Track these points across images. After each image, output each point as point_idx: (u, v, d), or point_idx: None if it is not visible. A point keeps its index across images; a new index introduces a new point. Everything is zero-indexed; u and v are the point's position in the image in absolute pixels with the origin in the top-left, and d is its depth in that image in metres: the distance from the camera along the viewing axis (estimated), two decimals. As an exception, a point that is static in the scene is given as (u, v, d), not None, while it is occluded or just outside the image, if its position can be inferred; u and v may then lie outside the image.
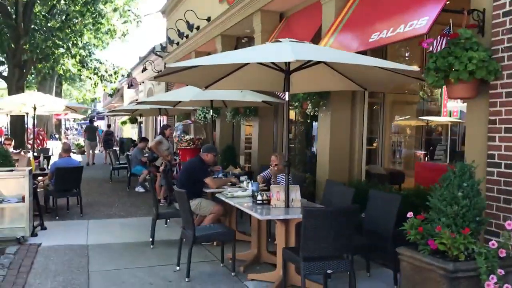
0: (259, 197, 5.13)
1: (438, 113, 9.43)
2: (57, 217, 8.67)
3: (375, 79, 5.58)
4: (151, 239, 6.84)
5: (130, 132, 34.18)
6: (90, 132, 21.19)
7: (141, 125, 30.78)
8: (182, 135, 9.55)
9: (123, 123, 31.65)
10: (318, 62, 5.24)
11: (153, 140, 10.62)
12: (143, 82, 27.11)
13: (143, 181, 12.50)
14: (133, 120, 29.53)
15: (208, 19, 12.99)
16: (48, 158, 11.09)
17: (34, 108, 9.97)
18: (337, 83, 5.84)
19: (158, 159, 10.35)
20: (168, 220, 8.13)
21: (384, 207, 4.89)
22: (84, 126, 45.29)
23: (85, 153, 21.80)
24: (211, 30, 12.80)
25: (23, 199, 6.78)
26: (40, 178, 9.30)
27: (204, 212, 6.59)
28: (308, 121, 9.30)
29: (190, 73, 5.48)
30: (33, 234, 7.14)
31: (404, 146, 9.85)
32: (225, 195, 5.73)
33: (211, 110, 11.71)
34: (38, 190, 8.47)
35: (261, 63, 5.24)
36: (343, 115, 7.14)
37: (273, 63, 5.11)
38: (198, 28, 13.77)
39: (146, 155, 13.02)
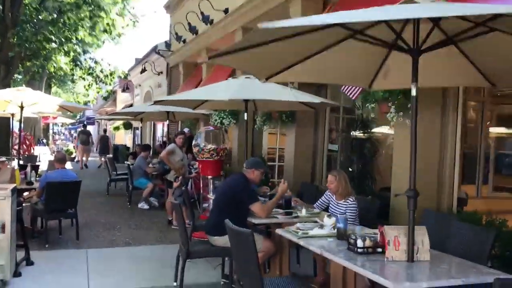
0: (359, 243, 3.39)
1: None
2: (47, 245, 6.85)
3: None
4: (176, 284, 5.08)
5: (123, 138, 32.23)
6: (84, 136, 20.79)
7: (137, 131, 28.99)
8: (203, 145, 7.78)
9: (116, 128, 29.74)
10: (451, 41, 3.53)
11: (164, 150, 8.79)
12: (139, 85, 25.28)
13: (148, 196, 10.71)
14: (127, 126, 27.70)
15: (226, 11, 11.29)
16: (35, 168, 9.22)
17: (21, 107, 8.14)
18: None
19: (170, 172, 8.58)
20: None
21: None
22: (73, 131, 43.28)
23: (76, 159, 20.86)
24: (229, 22, 11.09)
25: (2, 229, 4.96)
26: (26, 194, 7.47)
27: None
28: (369, 129, 7.61)
29: (253, 57, 3.76)
30: (16, 273, 5.33)
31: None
32: (294, 234, 3.98)
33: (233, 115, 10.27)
34: (23, 208, 6.69)
35: (365, 40, 3.52)
36: (431, 123, 5.44)
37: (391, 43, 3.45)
38: (211, 22, 12.06)
39: (151, 165, 11.23)
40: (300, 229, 4.03)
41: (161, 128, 22.62)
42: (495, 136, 8.19)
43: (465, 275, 2.87)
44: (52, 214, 7.00)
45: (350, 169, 7.79)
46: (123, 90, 26.18)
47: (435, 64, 3.74)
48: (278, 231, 4.23)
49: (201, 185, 7.98)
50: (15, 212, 5.26)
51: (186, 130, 12.68)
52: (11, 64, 16.49)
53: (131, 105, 26.51)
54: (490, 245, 3.56)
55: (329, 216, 4.23)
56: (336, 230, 3.87)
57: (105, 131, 28.77)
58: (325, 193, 5.62)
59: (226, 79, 11.31)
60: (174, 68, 17.58)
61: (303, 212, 5.05)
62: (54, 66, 15.96)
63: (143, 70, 20.12)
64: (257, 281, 3.36)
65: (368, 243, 3.41)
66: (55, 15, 16.62)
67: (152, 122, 23.09)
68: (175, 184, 8.21)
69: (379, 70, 4.23)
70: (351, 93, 5.28)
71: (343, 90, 5.38)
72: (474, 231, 3.79)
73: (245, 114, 6.65)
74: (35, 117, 25.98)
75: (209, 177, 7.82)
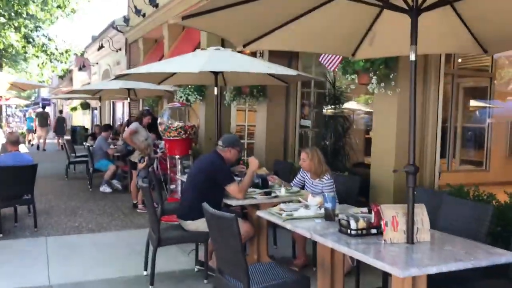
0: (352, 225, 3.09)
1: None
2: (1, 234, 6.30)
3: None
4: (146, 273, 4.70)
5: (81, 119, 31.07)
6: (42, 118, 20.63)
7: (95, 111, 27.96)
8: (170, 122, 7.30)
9: (73, 109, 28.64)
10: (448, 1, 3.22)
11: (126, 129, 8.26)
12: (96, 63, 24.25)
13: (110, 178, 10.17)
14: (85, 106, 26.71)
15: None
16: (-13, 152, 8.54)
17: (-33, 86, 7.43)
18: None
19: (134, 153, 8.09)
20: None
21: None
22: (26, 113, 41.50)
23: (33, 140, 20.90)
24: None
25: None
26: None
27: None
28: (341, 104, 7.32)
29: (230, 20, 3.36)
30: (-34, 268, 4.83)
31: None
32: (278, 216, 3.63)
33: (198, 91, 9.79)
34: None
35: None
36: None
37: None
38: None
39: (112, 146, 10.67)
40: (284, 210, 3.69)
41: (121, 108, 21.81)
42: (462, 109, 8.15)
43: (474, 257, 2.60)
44: (6, 201, 6.42)
45: (322, 145, 7.55)
46: (80, 69, 25.07)
47: (429, 29, 3.43)
48: (260, 213, 3.88)
49: (168, 166, 7.54)
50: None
51: (146, 108, 12.13)
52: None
53: (88, 85, 25.48)
54: (488, 221, 3.33)
55: (314, 195, 3.92)
56: (324, 210, 3.55)
57: (61, 112, 27.60)
58: (300, 170, 5.33)
59: (192, 50, 10.88)
60: (133, 45, 16.81)
61: (282, 191, 4.72)
62: (3, 43, 14.90)
63: (101, 47, 19.21)
64: (242, 268, 3.02)
65: (361, 224, 3.11)
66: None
67: (111, 102, 22.27)
68: (140, 166, 7.73)
69: (364, 36, 3.90)
70: (330, 64, 4.95)
71: (321, 60, 5.04)
72: (471, 206, 3.55)
73: (215, 88, 6.21)
74: (-15, 99, 24.71)
75: (177, 157, 7.39)
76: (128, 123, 11.98)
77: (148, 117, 8.12)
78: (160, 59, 13.33)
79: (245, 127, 10.23)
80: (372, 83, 4.81)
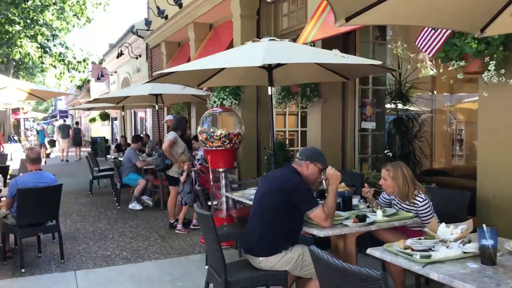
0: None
1: None
2: (23, 269, 5.31)
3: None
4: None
5: (100, 130, 30.33)
6: (64, 130, 21.69)
7: (115, 122, 27.19)
8: (212, 130, 6.28)
9: (92, 120, 27.89)
10: None
11: (165, 140, 7.27)
12: (115, 72, 23.46)
13: (140, 194, 9.20)
14: (104, 117, 25.96)
15: (218, -24, 9.72)
16: (4, 170, 7.62)
17: (-19, 97, 6.50)
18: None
19: (172, 167, 7.10)
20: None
21: None
22: (45, 125, 41.04)
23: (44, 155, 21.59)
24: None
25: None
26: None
27: (306, 272, 3.47)
28: (410, 103, 6.25)
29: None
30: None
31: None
32: (410, 258, 2.56)
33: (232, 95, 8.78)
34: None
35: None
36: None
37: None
38: (199, -9, 10.46)
39: (142, 159, 9.69)
40: (414, 249, 2.62)
41: (143, 117, 20.94)
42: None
43: None
44: (27, 229, 5.44)
45: (387, 150, 6.49)
46: (98, 79, 24.28)
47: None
48: (376, 252, 2.80)
49: (211, 180, 6.51)
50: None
51: (169, 117, 11.23)
52: (-30, 53, 14.57)
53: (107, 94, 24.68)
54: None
55: (447, 225, 2.84)
56: (479, 249, 2.48)
57: (77, 123, 27.02)
58: (384, 189, 4.27)
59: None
60: (154, 49, 15.91)
61: (379, 215, 3.65)
62: (20, 52, 14.08)
63: (120, 54, 18.34)
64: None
65: None
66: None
67: (133, 111, 21.43)
68: (182, 178, 6.76)
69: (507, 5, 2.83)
70: (429, 48, 3.88)
71: (418, 43, 3.98)
72: None
73: (269, 88, 5.18)
74: (3, 111, 24.03)
75: (220, 170, 6.36)
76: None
77: (186, 124, 7.12)
78: (186, 62, 12.38)
79: (285, 132, 9.21)
80: (489, 70, 3.71)
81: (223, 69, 5.70)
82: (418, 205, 3.85)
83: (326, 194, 3.65)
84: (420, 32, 4.03)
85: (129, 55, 18.16)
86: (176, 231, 7.10)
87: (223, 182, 6.36)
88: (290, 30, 8.81)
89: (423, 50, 3.97)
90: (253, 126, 9.15)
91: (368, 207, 4.09)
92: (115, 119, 25.95)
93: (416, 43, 4.04)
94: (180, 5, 11.66)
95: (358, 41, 6.78)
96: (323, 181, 3.78)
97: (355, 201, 4.17)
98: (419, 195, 3.87)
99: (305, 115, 7.83)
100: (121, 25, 59.19)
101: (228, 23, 10.53)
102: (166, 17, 13.04)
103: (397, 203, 4.04)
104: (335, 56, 4.37)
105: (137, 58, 18.11)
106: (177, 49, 14.38)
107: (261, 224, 3.59)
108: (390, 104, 6.68)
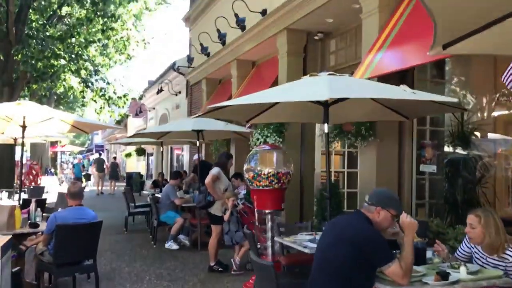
0: None
1: None
2: (57, 312, 4.99)
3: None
4: None
5: (135, 166, 30.44)
6: (99, 164, 22.59)
7: (151, 157, 27.24)
8: (259, 169, 5.94)
9: (128, 155, 28.05)
10: None
11: (209, 175, 6.95)
12: (153, 108, 23.67)
13: (177, 233, 8.84)
14: (140, 152, 26.07)
15: (264, 12, 9.60)
16: (42, 203, 7.42)
17: (23, 127, 6.31)
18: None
19: (214, 204, 6.76)
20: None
21: None
22: (75, 160, 41.79)
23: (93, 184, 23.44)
24: (269, 25, 9.40)
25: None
26: (30, 239, 5.63)
27: None
28: (472, 144, 5.79)
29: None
30: None
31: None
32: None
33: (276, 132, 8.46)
34: (25, 259, 4.93)
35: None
36: None
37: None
38: (244, 28, 10.33)
39: (180, 196, 9.39)
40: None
41: (180, 154, 20.86)
42: None
43: None
44: (64, 268, 5.14)
45: (447, 196, 5.99)
46: (136, 115, 24.51)
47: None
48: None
49: (256, 222, 6.12)
50: (9, 278, 3.43)
51: (195, 157, 11.08)
52: (16, 87, 14.80)
53: (144, 130, 24.85)
54: None
55: None
56: None
57: (115, 158, 27.32)
58: (465, 238, 3.79)
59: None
60: (194, 86, 15.91)
61: (463, 272, 3.17)
62: (64, 86, 14.26)
63: (160, 91, 18.48)
64: None
65: None
66: (65, 25, 15.14)
67: (169, 147, 21.38)
68: (226, 217, 6.40)
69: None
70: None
71: (504, 79, 3.57)
72: None
73: (325, 125, 4.82)
74: (43, 144, 24.42)
75: (267, 211, 5.97)
76: (195, 168, 10.84)
77: (231, 160, 6.81)
78: (227, 100, 12.21)
79: (330, 174, 8.77)
80: None
81: (274, 104, 5.44)
82: (508, 260, 3.36)
83: (399, 245, 3.21)
84: (507, 66, 3.63)
85: (169, 91, 18.26)
86: (232, 272, 6.70)
87: (269, 224, 5.95)
88: (337, 67, 8.54)
89: (508, 85, 3.55)
90: (297, 165, 8.75)
91: (443, 261, 3.62)
92: (151, 154, 26.02)
93: (502, 79, 3.64)
94: (224, 42, 11.58)
95: (416, 79, 6.41)
96: (396, 231, 3.35)
97: (428, 253, 3.70)
98: (509, 249, 3.38)
99: (352, 155, 7.45)
100: (160, 62, 60.32)
101: (272, 60, 10.37)
102: (208, 54, 13.01)
103: (480, 256, 3.55)
104: (404, 92, 4.00)
105: (176, 94, 18.18)
106: (218, 86, 14.31)
107: (325, 280, 3.16)
108: (449, 147, 6.25)
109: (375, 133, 6.19)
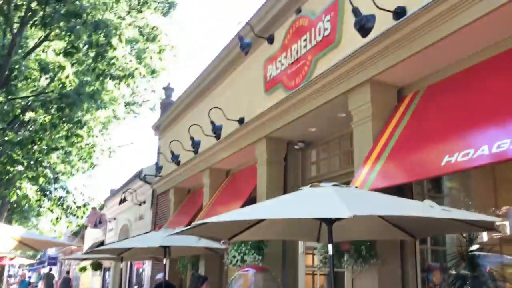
0: None
1: None
2: None
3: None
4: None
5: (90, 281, 28.15)
6: (48, 279, 22.08)
7: (107, 272, 25.24)
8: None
9: (82, 269, 25.97)
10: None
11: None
12: (114, 219, 22.34)
13: None
14: (96, 266, 24.13)
15: (241, 121, 9.21)
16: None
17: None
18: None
19: None
20: None
21: None
22: (29, 272, 38.57)
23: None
24: (247, 133, 8.95)
25: None
26: None
27: None
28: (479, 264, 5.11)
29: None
30: None
31: None
32: None
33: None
34: None
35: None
36: None
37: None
38: (219, 136, 9.81)
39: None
40: None
41: (141, 268, 19.26)
42: None
43: None
44: None
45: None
46: (95, 225, 23.04)
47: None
48: None
49: None
50: None
51: (159, 275, 10.02)
52: (-36, 194, 13.56)
53: (102, 243, 23.19)
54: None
55: None
56: None
57: (67, 272, 25.17)
58: None
59: (243, 202, 8.93)
60: (161, 196, 15.03)
61: None
62: (17, 194, 13.11)
63: (122, 200, 17.44)
64: None
65: None
66: (26, 131, 14.37)
67: (129, 262, 19.81)
68: None
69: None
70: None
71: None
72: None
73: (329, 245, 4.07)
74: (-14, 258, 22.36)
75: None
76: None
77: (207, 284, 5.85)
78: (198, 211, 11.36)
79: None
80: None
81: (261, 220, 4.71)
82: None
83: None
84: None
85: (132, 201, 17.27)
86: None
87: None
88: (319, 178, 7.98)
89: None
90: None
91: None
92: (108, 269, 24.15)
93: None
94: (197, 151, 11.01)
95: (415, 193, 5.86)
96: None
97: None
98: None
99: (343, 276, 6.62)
100: (124, 170, 59.26)
101: (248, 169, 9.80)
102: (179, 163, 12.35)
103: None
104: (432, 209, 3.36)
105: (140, 204, 17.19)
106: (187, 196, 13.50)
107: None
108: (453, 269, 5.56)
109: (376, 254, 5.44)
